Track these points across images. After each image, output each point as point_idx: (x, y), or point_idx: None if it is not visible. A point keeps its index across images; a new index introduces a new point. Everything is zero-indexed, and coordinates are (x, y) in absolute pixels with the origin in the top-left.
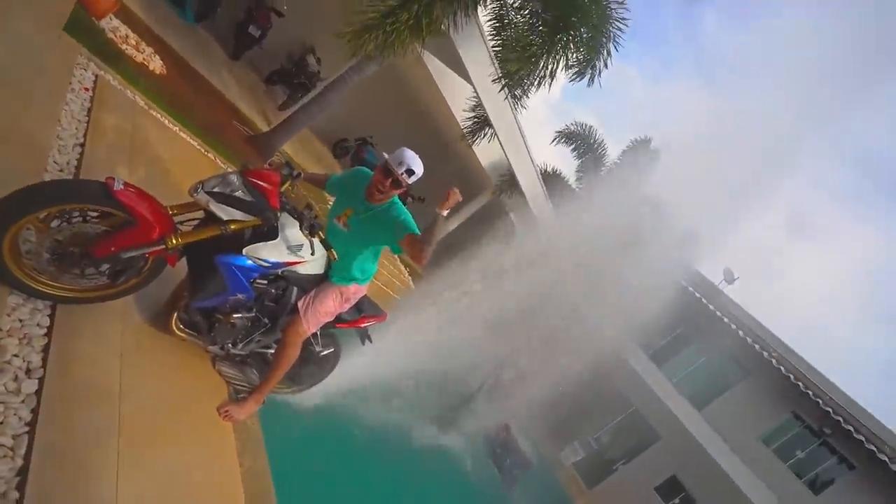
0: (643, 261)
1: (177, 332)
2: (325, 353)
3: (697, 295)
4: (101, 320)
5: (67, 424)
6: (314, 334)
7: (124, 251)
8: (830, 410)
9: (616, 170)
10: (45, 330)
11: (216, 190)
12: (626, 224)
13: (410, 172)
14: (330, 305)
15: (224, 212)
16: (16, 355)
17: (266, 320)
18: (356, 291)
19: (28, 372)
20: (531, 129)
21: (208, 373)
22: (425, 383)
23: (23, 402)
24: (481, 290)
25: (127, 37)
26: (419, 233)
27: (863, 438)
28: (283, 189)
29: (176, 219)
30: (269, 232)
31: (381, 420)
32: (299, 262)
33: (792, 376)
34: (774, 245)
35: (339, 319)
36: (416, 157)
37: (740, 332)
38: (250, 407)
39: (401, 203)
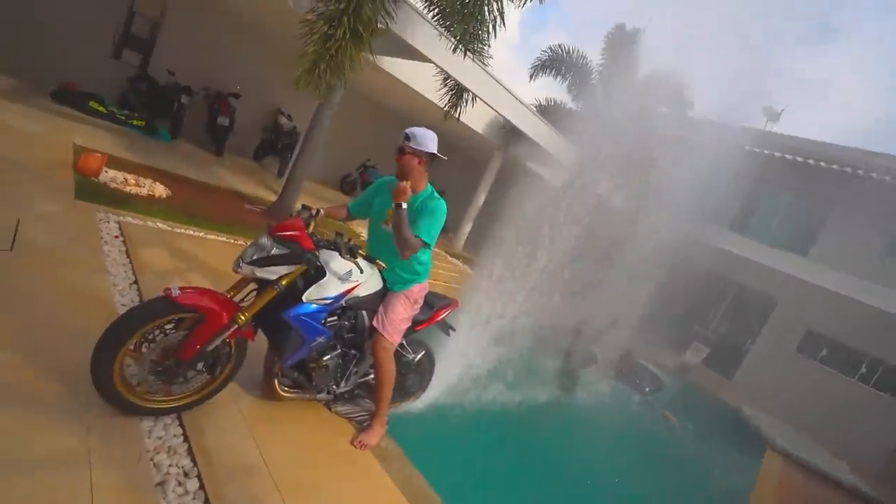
0: (680, 143)
1: (284, 395)
2: (417, 357)
3: (748, 147)
4: (221, 412)
5: (236, 501)
6: (401, 345)
7: (207, 344)
8: None
9: (606, 70)
10: (181, 437)
11: (255, 257)
12: (647, 115)
13: (410, 137)
14: (401, 312)
15: (270, 273)
16: (171, 465)
17: (353, 351)
18: (420, 290)
19: (186, 475)
20: (510, 78)
21: (328, 417)
22: (526, 353)
23: (193, 498)
24: (536, 248)
25: (126, 180)
26: (425, 239)
27: None
28: (310, 230)
29: (236, 298)
30: (317, 273)
31: (505, 398)
32: (355, 287)
33: (888, 177)
34: (803, 62)
35: (416, 322)
36: (420, 127)
37: (810, 161)
38: (378, 431)
39: (438, 197)
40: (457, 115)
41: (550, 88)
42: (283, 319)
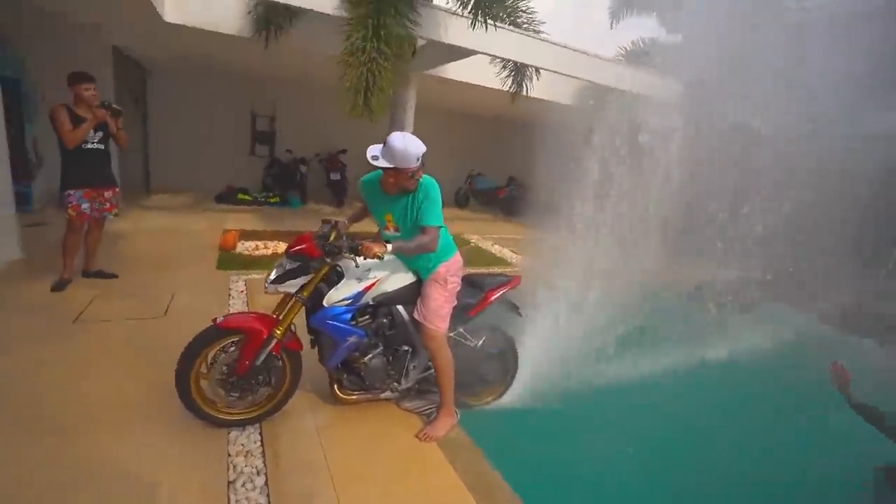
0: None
1: (347, 398)
2: (480, 343)
3: None
4: (296, 418)
5: (291, 495)
6: (459, 332)
7: (255, 359)
8: None
9: None
10: (259, 443)
11: (274, 276)
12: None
13: (418, 159)
14: (437, 298)
15: (290, 286)
16: (245, 466)
17: (405, 347)
18: (447, 268)
19: (257, 473)
20: (590, 31)
21: (399, 415)
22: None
23: (259, 493)
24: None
25: (255, 246)
26: (432, 224)
27: None
28: (331, 240)
29: (281, 316)
30: (337, 276)
31: (623, 378)
32: (374, 283)
33: None
34: None
35: (467, 307)
36: (397, 145)
37: None
38: (444, 422)
39: (428, 182)
40: (526, 94)
41: (642, 28)
42: (311, 325)
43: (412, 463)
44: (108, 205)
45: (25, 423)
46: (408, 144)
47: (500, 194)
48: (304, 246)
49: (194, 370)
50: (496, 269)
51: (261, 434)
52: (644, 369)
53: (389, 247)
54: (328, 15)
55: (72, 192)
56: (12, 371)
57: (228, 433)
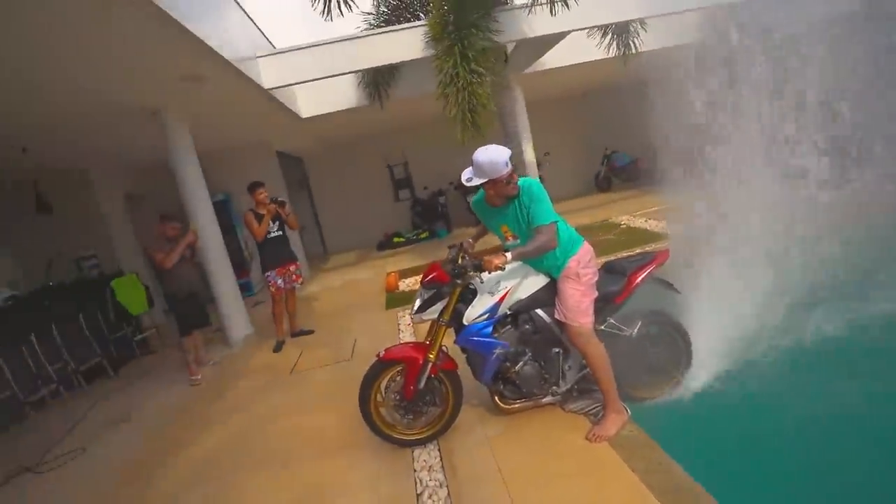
0: None
1: (509, 408)
2: (636, 330)
3: None
4: (468, 433)
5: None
6: (606, 321)
7: (417, 383)
8: None
9: None
10: (438, 458)
11: (416, 306)
12: None
13: (507, 164)
14: (576, 294)
15: (432, 313)
16: (429, 480)
17: (554, 349)
18: (577, 261)
19: (440, 485)
20: None
21: (566, 418)
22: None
23: (443, 503)
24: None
25: (415, 282)
26: (545, 222)
27: None
28: (460, 262)
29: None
30: (472, 295)
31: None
32: (506, 294)
33: None
34: None
35: (611, 295)
36: (485, 158)
37: None
38: (613, 419)
39: (529, 183)
40: (635, 52)
41: None
42: (457, 344)
43: (585, 465)
44: (294, 276)
45: (257, 455)
46: (491, 155)
47: (641, 165)
48: (434, 274)
49: (371, 400)
50: (652, 247)
51: (439, 450)
52: (864, 325)
53: (509, 255)
54: (420, 59)
55: (269, 273)
56: (251, 417)
57: (412, 451)
